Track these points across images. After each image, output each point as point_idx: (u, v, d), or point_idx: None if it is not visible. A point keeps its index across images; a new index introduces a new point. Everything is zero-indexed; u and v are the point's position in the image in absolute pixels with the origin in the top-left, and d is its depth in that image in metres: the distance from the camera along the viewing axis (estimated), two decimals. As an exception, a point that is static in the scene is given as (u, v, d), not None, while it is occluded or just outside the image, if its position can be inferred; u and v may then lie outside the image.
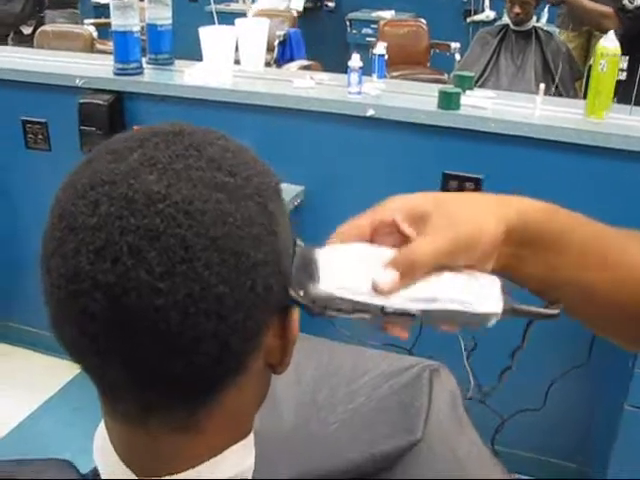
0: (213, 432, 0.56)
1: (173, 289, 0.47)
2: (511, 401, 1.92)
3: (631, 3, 3.09)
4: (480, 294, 0.59)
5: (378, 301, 0.57)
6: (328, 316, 0.58)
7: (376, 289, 0.57)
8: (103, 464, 0.59)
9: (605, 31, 3.10)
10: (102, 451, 0.60)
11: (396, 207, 0.61)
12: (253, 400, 0.62)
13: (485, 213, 0.60)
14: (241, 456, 0.60)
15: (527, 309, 0.61)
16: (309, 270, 0.57)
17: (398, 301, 0.58)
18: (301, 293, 0.56)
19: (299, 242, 0.59)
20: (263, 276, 0.51)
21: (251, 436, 0.63)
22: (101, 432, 0.60)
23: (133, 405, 0.54)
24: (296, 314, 0.59)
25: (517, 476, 2.25)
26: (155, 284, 0.47)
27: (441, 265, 0.58)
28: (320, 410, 1.01)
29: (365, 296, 0.57)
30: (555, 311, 0.61)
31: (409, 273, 0.57)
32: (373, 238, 0.61)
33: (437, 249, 0.57)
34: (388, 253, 0.58)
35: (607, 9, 3.28)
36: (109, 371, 0.51)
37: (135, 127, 2.30)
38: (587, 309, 0.65)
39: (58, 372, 2.82)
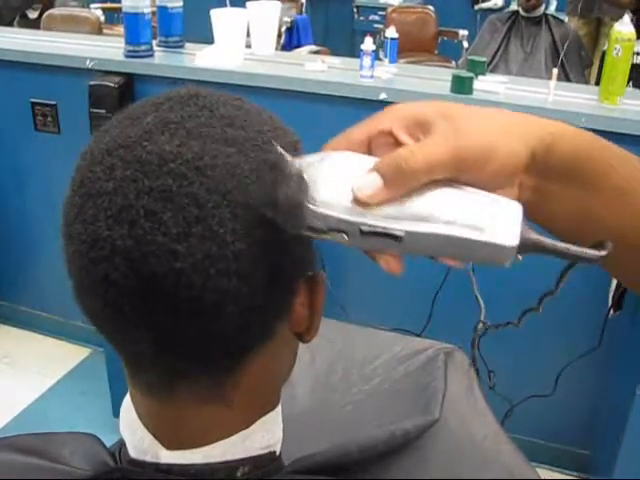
0: (240, 403, 0.56)
1: (190, 251, 0.47)
2: (521, 387, 1.93)
3: None
4: (491, 220, 0.47)
5: (356, 218, 0.47)
6: (306, 236, 0.48)
7: (355, 198, 0.47)
8: (130, 436, 0.59)
9: (621, 5, 3.07)
10: (128, 423, 0.59)
11: (395, 115, 0.51)
12: (280, 370, 0.61)
13: (505, 130, 0.48)
14: (270, 428, 0.60)
15: (561, 247, 0.47)
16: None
17: (381, 219, 0.47)
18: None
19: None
20: (278, 228, 0.49)
21: (279, 408, 0.62)
22: (127, 405, 0.60)
23: (158, 374, 0.53)
24: (323, 281, 0.58)
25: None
26: (172, 246, 0.46)
27: (438, 178, 0.47)
28: (335, 391, 1.01)
29: (341, 211, 0.47)
30: (601, 253, 0.46)
31: (396, 181, 0.46)
32: (371, 152, 0.51)
33: (433, 156, 0.46)
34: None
35: None
36: (133, 340, 0.51)
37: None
38: (625, 262, 0.53)
39: (66, 356, 2.84)
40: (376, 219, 0.47)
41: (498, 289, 1.71)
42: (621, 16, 2.03)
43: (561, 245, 0.47)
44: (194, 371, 0.53)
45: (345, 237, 0.47)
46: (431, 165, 0.46)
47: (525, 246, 0.46)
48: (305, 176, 0.47)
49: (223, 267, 0.47)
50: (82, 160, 0.52)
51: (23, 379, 2.72)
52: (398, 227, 0.46)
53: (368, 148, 0.51)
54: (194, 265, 0.47)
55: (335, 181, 0.47)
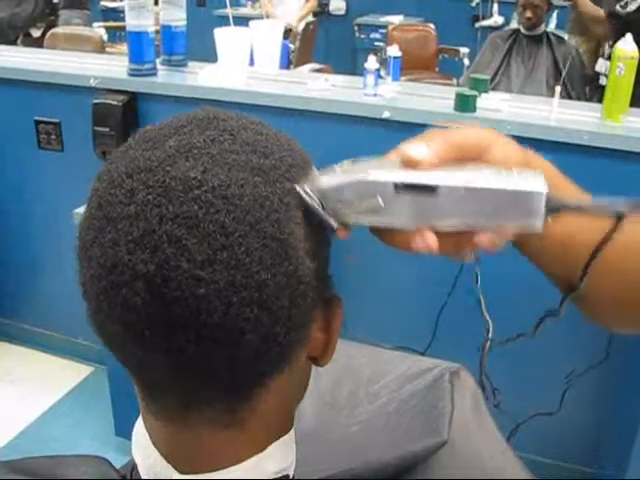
0: (256, 428, 0.56)
1: (214, 277, 0.46)
2: (526, 405, 1.92)
3: (623, 9, 3.07)
4: (520, 177, 0.52)
5: (388, 177, 0.51)
6: (341, 217, 0.52)
7: (407, 161, 0.51)
8: (142, 459, 0.59)
9: (595, 36, 3.10)
10: (141, 446, 0.59)
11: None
12: (295, 394, 0.61)
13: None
14: (283, 452, 0.59)
15: (585, 205, 0.55)
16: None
17: (415, 177, 0.51)
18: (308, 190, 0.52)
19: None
20: (304, 260, 0.51)
21: (292, 432, 0.62)
22: (139, 427, 0.60)
23: (174, 400, 0.53)
24: (340, 306, 0.58)
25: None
26: (196, 273, 0.46)
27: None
28: (340, 411, 1.00)
29: (372, 175, 0.51)
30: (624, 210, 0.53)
31: (441, 147, 0.52)
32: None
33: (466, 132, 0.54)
34: None
35: (600, 13, 3.28)
36: (150, 364, 0.50)
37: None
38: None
39: (69, 374, 2.83)
40: (410, 177, 0.50)
41: (503, 308, 1.70)
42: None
43: (585, 203, 0.54)
44: (210, 397, 0.52)
45: (380, 201, 0.51)
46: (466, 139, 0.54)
47: (552, 201, 0.51)
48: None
49: (246, 296, 0.47)
50: (99, 182, 0.52)
51: (25, 397, 2.71)
52: (432, 181, 0.50)
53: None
54: (217, 292, 0.46)
55: (362, 167, 0.52)
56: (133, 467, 0.60)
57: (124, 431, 2.26)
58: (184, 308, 0.47)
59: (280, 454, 0.59)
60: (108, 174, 0.51)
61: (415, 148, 0.51)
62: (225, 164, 0.49)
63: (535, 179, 0.51)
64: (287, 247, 0.49)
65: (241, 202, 0.48)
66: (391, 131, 2.11)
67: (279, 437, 0.59)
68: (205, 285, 0.46)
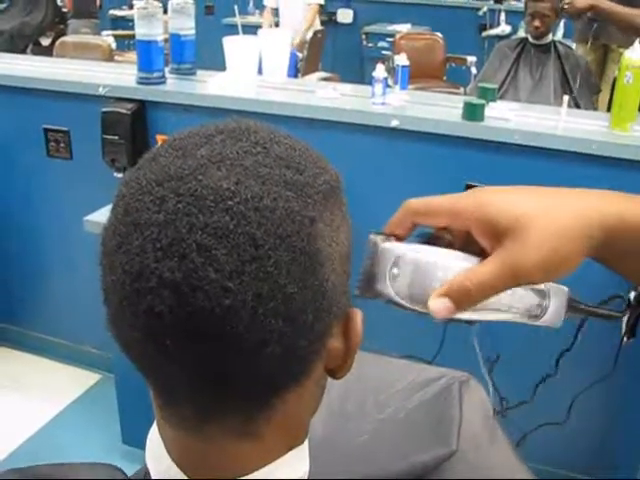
0: (270, 438, 0.55)
1: (242, 288, 0.46)
2: (533, 415, 1.91)
3: None
4: (539, 309, 0.59)
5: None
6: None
7: (431, 313, 0.57)
8: (155, 466, 0.58)
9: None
10: (154, 453, 0.59)
11: (473, 216, 0.57)
12: (310, 406, 0.61)
13: (563, 234, 0.54)
14: (297, 462, 0.60)
15: (594, 309, 0.60)
16: (381, 266, 0.59)
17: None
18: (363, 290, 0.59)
19: (372, 236, 0.59)
20: (330, 275, 0.51)
21: (306, 442, 0.62)
22: (153, 435, 0.60)
23: (192, 409, 0.53)
24: (359, 317, 0.58)
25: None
26: (224, 283, 0.46)
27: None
28: (349, 420, 1.00)
29: (420, 306, 0.58)
30: (618, 314, 0.60)
31: (464, 302, 0.56)
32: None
33: (497, 281, 0.55)
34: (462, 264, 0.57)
35: (638, 10, 3.29)
36: (169, 373, 0.50)
37: (158, 136, 2.30)
38: None
39: (76, 382, 2.84)
40: None
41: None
42: (629, 42, 2.04)
43: (594, 308, 0.60)
44: (227, 407, 0.52)
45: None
46: (495, 289, 0.55)
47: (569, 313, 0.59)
48: (392, 264, 0.58)
49: (271, 308, 0.47)
50: (126, 188, 0.51)
51: (32, 404, 2.71)
52: (466, 317, 0.58)
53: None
54: (243, 303, 0.46)
55: (416, 280, 0.58)
56: (145, 473, 0.60)
57: (131, 439, 2.26)
58: (209, 318, 0.46)
59: (294, 464, 0.59)
60: (136, 181, 0.51)
61: (438, 305, 0.56)
62: (258, 177, 0.49)
63: (554, 308, 0.58)
64: (315, 262, 0.49)
65: (273, 215, 0.48)
66: (399, 140, 2.12)
67: (293, 448, 0.59)
68: (232, 296, 0.46)
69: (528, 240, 0.54)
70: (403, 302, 0.58)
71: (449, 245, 0.60)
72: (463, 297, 0.55)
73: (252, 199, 0.48)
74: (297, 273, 0.48)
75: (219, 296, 0.46)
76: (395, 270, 0.58)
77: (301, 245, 0.49)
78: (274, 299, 0.47)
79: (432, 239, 0.61)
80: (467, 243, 0.59)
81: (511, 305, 0.58)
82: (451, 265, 0.58)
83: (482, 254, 0.57)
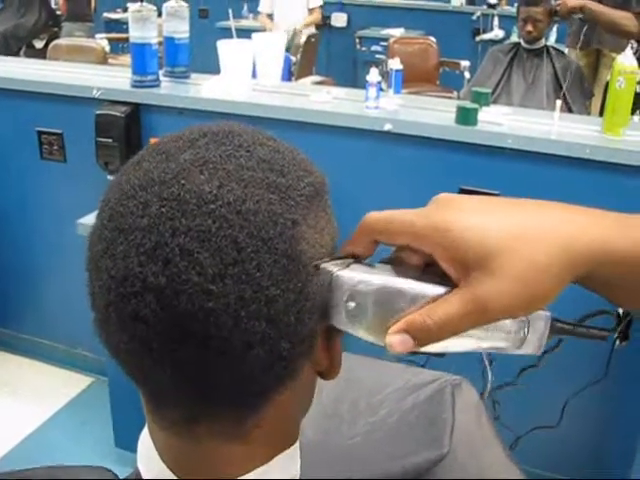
0: (261, 441, 0.56)
1: (225, 291, 0.47)
2: (526, 418, 1.92)
3: None
4: (517, 337, 0.53)
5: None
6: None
7: (388, 348, 0.52)
8: (146, 469, 0.59)
9: (626, 34, 3.11)
10: (145, 456, 0.59)
11: (438, 242, 0.51)
12: (300, 408, 0.61)
13: (544, 269, 0.48)
14: (288, 464, 0.60)
15: (579, 330, 0.55)
16: (336, 299, 0.53)
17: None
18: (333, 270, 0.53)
19: (324, 265, 0.54)
20: (311, 276, 0.51)
21: (297, 444, 0.62)
22: (145, 439, 0.60)
23: (179, 411, 0.53)
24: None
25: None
26: (207, 286, 0.46)
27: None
28: (342, 422, 1.00)
29: (380, 338, 0.53)
30: (604, 333, 0.56)
31: (424, 339, 0.51)
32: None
33: (464, 318, 0.50)
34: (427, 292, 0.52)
35: (626, 13, 3.32)
36: (156, 376, 0.50)
37: (152, 139, 2.30)
38: None
39: (68, 385, 2.83)
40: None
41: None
42: (621, 47, 2.05)
43: (579, 329, 0.55)
44: (215, 410, 0.52)
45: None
46: (452, 329, 0.51)
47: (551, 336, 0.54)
48: (347, 297, 0.53)
49: (255, 310, 0.47)
50: (111, 193, 0.51)
51: (25, 407, 2.70)
52: (432, 350, 0.52)
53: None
54: (226, 306, 0.47)
55: (376, 314, 0.52)
56: (137, 476, 0.60)
57: (124, 442, 2.25)
58: (193, 321, 0.47)
59: (284, 466, 0.59)
60: (120, 186, 0.51)
61: (397, 341, 0.51)
62: (241, 180, 0.49)
63: (534, 336, 0.53)
64: (298, 264, 0.49)
65: (255, 218, 0.48)
66: (392, 144, 2.12)
67: (284, 450, 0.59)
68: (215, 299, 0.46)
69: (502, 275, 0.48)
70: (361, 336, 0.53)
71: (414, 266, 0.54)
72: (423, 335, 0.50)
73: (234, 202, 0.48)
74: (279, 275, 0.48)
75: (202, 299, 0.46)
76: (351, 304, 0.52)
77: (283, 247, 0.49)
78: (257, 301, 0.48)
79: (395, 258, 0.55)
80: (433, 262, 0.52)
81: (484, 337, 0.52)
82: (414, 294, 0.52)
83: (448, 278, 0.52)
